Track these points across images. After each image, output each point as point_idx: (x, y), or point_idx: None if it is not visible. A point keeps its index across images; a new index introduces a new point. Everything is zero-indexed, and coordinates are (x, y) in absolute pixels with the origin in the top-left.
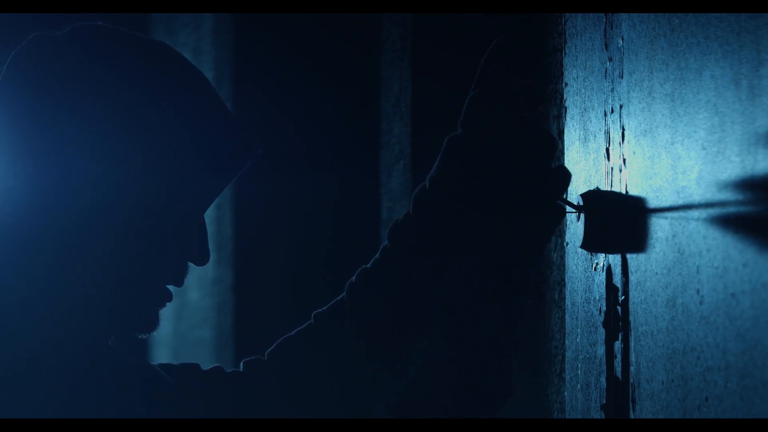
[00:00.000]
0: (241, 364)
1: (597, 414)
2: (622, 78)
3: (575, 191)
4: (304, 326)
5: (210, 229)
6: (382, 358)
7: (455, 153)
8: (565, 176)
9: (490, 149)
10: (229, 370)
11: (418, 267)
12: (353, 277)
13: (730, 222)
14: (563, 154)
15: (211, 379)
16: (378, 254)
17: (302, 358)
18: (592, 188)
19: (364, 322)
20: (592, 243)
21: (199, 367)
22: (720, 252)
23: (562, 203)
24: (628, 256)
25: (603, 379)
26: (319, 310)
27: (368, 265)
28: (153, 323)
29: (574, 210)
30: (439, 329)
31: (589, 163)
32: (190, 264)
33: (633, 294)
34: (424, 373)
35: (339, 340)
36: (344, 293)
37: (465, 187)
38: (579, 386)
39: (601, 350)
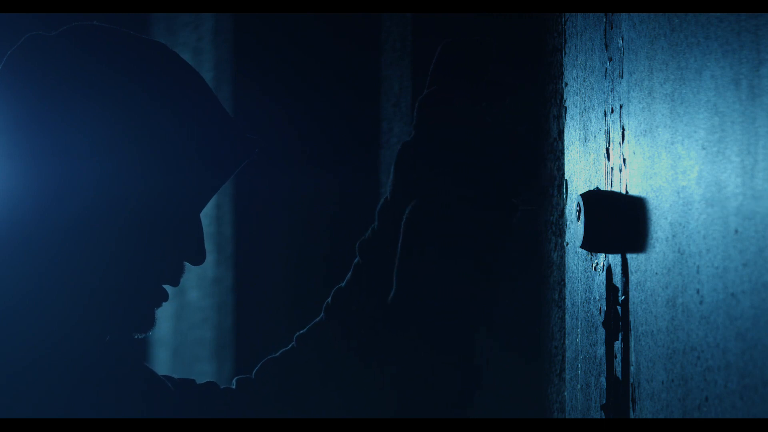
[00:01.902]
0: (234, 381)
1: (597, 414)
2: (622, 78)
3: (575, 191)
4: (288, 348)
5: (210, 229)
6: (363, 369)
7: (408, 158)
8: (517, 171)
9: (440, 150)
10: (222, 387)
11: (389, 277)
12: (329, 298)
13: (730, 222)
14: (563, 154)
15: (206, 389)
16: (350, 272)
17: (286, 379)
18: (592, 188)
19: (343, 339)
20: (592, 243)
21: (194, 381)
22: (720, 252)
23: (517, 201)
24: (628, 256)
25: (603, 379)
26: (301, 331)
27: (342, 284)
28: (149, 323)
29: (528, 207)
30: (416, 331)
31: (589, 163)
32: (188, 264)
33: (633, 294)
34: (407, 376)
35: (320, 359)
36: (322, 314)
37: (421, 193)
38: (579, 386)
39: (601, 350)
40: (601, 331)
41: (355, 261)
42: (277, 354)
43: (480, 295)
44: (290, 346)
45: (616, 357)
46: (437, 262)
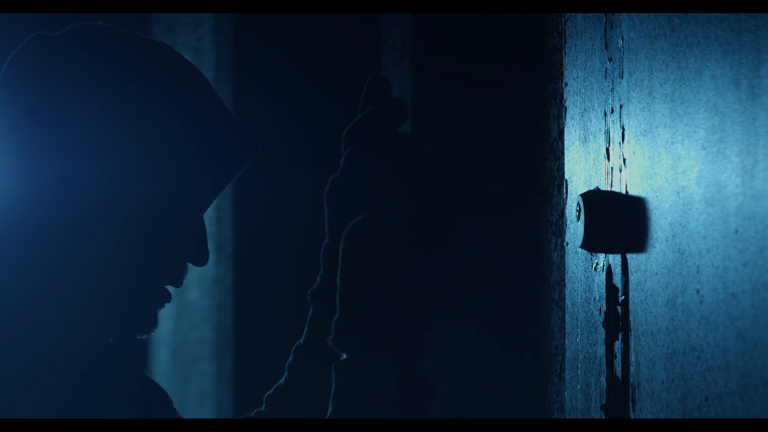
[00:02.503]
0: None
1: (597, 414)
2: (622, 78)
3: (575, 191)
4: (261, 409)
5: (210, 229)
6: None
7: (335, 191)
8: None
9: (355, 195)
10: None
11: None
12: (290, 357)
13: (730, 222)
14: (563, 154)
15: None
16: (306, 326)
17: None
18: (592, 188)
19: (309, 395)
20: (592, 243)
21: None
22: (720, 252)
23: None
24: (628, 256)
25: (603, 379)
26: (269, 392)
27: (301, 341)
28: (152, 324)
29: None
30: (358, 343)
31: (589, 163)
32: (189, 264)
33: (633, 294)
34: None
35: (288, 417)
36: (286, 373)
37: (351, 235)
38: (579, 386)
39: (601, 350)
40: (601, 331)
41: (310, 313)
42: (251, 414)
43: (420, 304)
44: (263, 407)
45: (616, 357)
46: (376, 276)
